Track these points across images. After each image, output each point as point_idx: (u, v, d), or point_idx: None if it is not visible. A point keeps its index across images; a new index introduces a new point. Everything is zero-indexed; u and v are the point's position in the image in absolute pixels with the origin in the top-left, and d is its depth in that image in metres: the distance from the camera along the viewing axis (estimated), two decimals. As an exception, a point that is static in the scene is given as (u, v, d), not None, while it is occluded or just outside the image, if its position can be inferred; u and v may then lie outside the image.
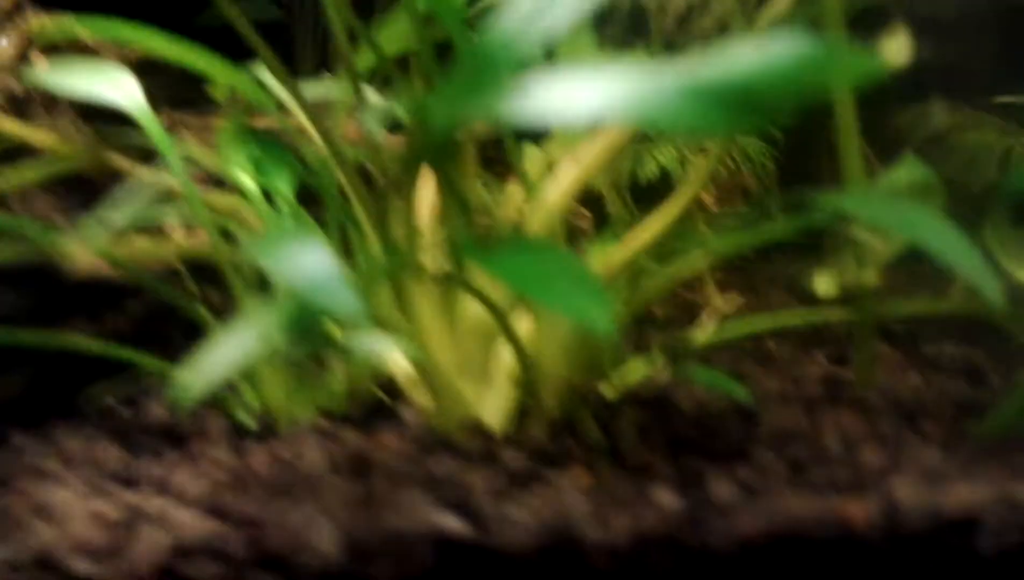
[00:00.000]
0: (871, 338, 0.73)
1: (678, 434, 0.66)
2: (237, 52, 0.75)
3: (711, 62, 0.46)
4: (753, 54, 0.45)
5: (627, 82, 0.46)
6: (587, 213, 1.29)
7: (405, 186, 0.69)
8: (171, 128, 1.29)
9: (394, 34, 0.71)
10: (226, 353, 0.51)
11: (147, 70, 0.87)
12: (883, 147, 1.18)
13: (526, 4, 0.54)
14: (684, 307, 1.20)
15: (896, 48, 0.55)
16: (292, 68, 0.76)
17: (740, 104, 0.45)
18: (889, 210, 0.55)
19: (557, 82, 0.48)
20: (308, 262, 0.50)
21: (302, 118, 0.74)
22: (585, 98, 0.47)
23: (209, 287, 0.85)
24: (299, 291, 0.49)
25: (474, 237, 0.57)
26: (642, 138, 1.18)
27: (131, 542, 0.52)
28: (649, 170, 1.11)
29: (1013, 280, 0.76)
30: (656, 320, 1.15)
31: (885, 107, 1.13)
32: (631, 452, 0.63)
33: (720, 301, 1.22)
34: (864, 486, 0.54)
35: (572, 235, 1.12)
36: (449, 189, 0.62)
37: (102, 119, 0.91)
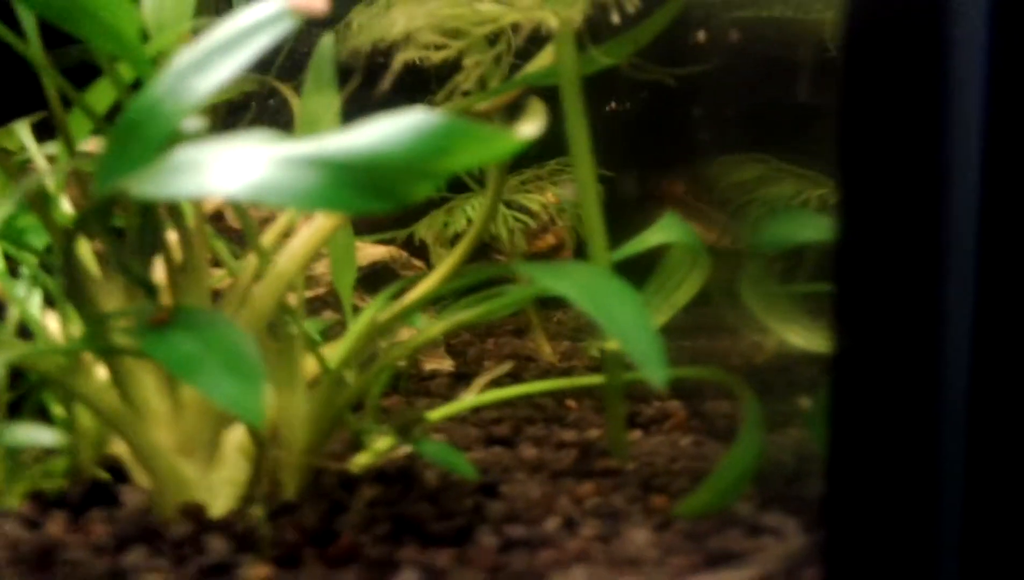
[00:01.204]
0: (619, 404, 0.71)
1: (407, 514, 0.62)
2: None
3: (343, 138, 0.44)
4: (380, 130, 0.43)
5: (262, 158, 0.44)
6: (419, 263, 1.27)
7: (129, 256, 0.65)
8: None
9: (101, 97, 0.68)
10: None
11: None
12: (699, 197, 1.17)
13: (180, 64, 0.51)
14: (515, 361, 1.18)
15: (529, 123, 0.54)
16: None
17: (362, 178, 0.43)
18: (577, 283, 0.53)
19: (201, 158, 0.46)
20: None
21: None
22: (224, 175, 0.44)
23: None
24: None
25: (153, 313, 0.54)
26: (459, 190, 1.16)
27: None
28: (460, 223, 1.09)
29: (776, 337, 0.75)
30: (472, 375, 1.13)
31: (703, 158, 1.12)
32: (347, 536, 0.59)
33: (549, 351, 1.20)
34: (550, 576, 0.52)
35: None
36: (113, 262, 0.59)
37: None
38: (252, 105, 1.32)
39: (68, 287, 0.59)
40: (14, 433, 0.51)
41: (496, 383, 0.92)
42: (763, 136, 1.03)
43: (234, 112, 1.30)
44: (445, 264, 0.82)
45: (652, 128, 1.19)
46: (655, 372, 0.47)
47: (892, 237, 0.43)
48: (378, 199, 0.43)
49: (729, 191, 1.04)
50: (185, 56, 0.51)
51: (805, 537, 0.54)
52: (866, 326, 0.43)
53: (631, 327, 0.49)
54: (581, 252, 1.12)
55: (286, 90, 1.11)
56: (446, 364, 1.18)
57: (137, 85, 0.64)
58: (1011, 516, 0.44)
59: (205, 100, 0.49)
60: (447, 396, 1.01)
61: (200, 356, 0.50)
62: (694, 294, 0.83)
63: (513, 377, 1.08)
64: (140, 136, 0.50)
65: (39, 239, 0.76)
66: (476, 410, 0.92)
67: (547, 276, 0.55)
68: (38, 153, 0.76)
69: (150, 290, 0.57)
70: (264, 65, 1.16)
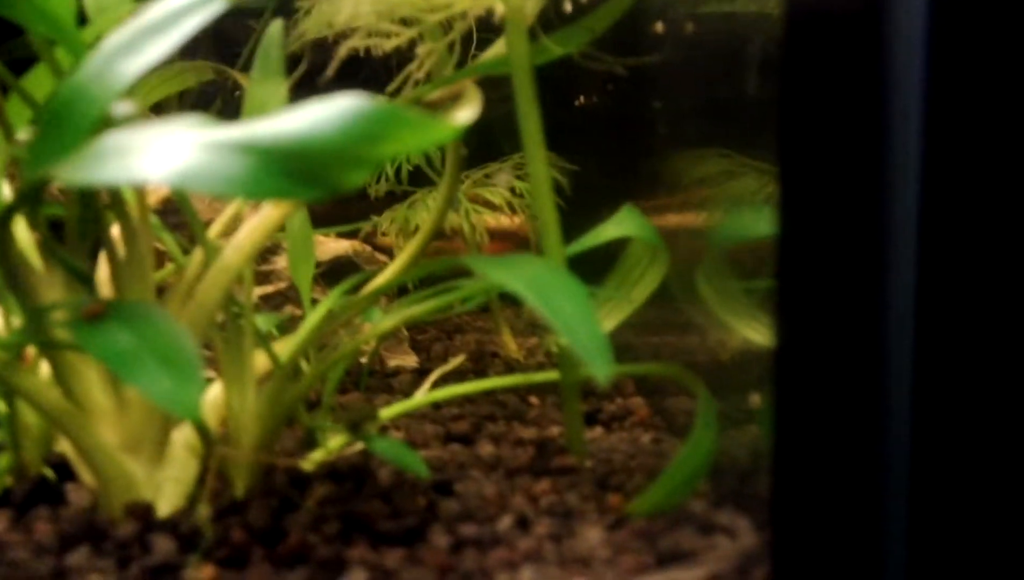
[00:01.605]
0: (576, 401, 0.70)
1: (358, 512, 0.61)
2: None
3: (271, 123, 0.43)
4: (309, 116, 0.42)
5: (189, 144, 0.43)
6: (383, 257, 1.26)
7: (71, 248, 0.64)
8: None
9: (40, 84, 0.66)
10: None
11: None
12: (656, 191, 1.17)
13: (108, 46, 0.50)
14: (481, 356, 1.17)
15: (464, 110, 0.53)
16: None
17: (290, 165, 0.41)
18: (526, 278, 0.52)
19: (129, 143, 0.45)
20: None
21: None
22: (152, 161, 0.43)
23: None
24: None
25: (90, 306, 0.52)
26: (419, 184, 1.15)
27: None
28: (421, 217, 1.08)
29: (733, 331, 0.74)
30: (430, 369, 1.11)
31: (660, 153, 1.12)
32: (295, 535, 0.58)
33: (514, 347, 1.19)
34: (499, 576, 0.51)
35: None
36: (51, 253, 0.58)
37: None
38: (218, 97, 1.30)
39: (6, 278, 0.58)
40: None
41: (460, 380, 0.91)
42: (725, 130, 1.03)
43: (200, 104, 1.28)
44: (401, 257, 0.81)
45: (616, 121, 1.18)
46: (599, 368, 0.46)
47: (833, 231, 0.42)
48: (308, 185, 0.42)
49: (692, 186, 1.03)
50: (113, 39, 0.50)
51: (756, 535, 0.53)
52: (808, 320, 0.42)
53: (576, 322, 0.48)
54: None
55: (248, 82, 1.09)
56: (410, 360, 1.17)
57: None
58: (956, 509, 0.43)
59: (133, 83, 0.48)
60: (409, 393, 0.99)
61: (136, 350, 0.48)
62: (654, 289, 0.82)
63: (477, 373, 1.07)
64: (68, 121, 0.48)
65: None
66: (438, 407, 0.91)
67: (497, 270, 0.54)
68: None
69: (87, 282, 0.55)
70: (230, 57, 1.15)
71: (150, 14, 0.53)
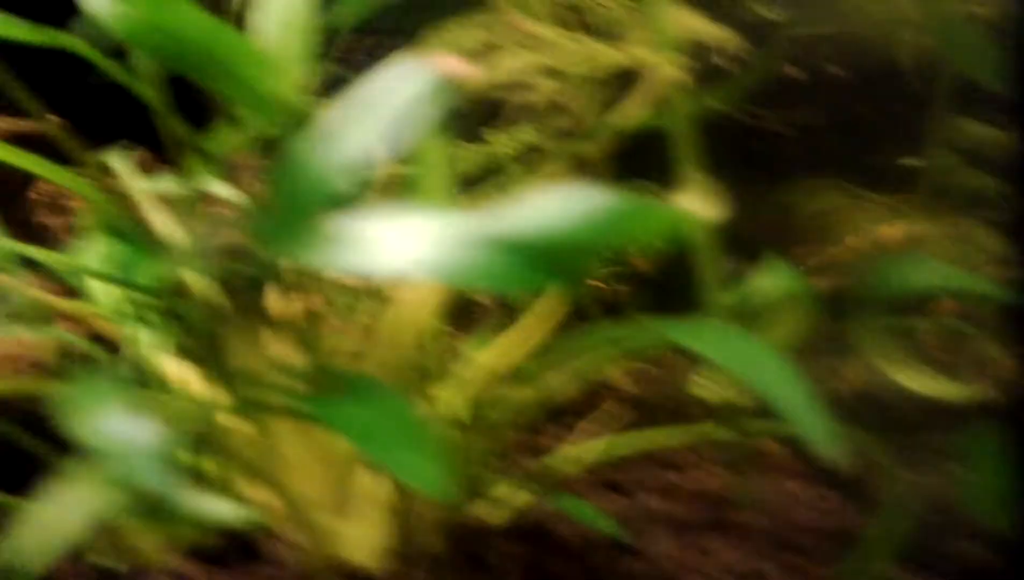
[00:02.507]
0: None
1: (559, 573, 0.63)
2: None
3: (516, 214, 0.45)
4: (556, 208, 0.44)
5: (435, 235, 0.45)
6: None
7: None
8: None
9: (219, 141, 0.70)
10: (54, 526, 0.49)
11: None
12: (772, 224, 1.17)
13: (330, 125, 0.52)
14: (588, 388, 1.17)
15: (703, 203, 0.55)
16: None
17: (545, 260, 0.44)
18: (718, 343, 0.54)
19: (366, 231, 0.47)
20: (119, 430, 0.48)
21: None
22: (393, 251, 0.46)
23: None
24: (113, 465, 0.47)
25: (317, 377, 0.55)
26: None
27: None
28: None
29: (883, 377, 0.75)
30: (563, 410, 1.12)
31: (775, 183, 1.12)
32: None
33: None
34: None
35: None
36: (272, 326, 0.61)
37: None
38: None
39: (213, 348, 0.61)
40: (199, 504, 0.52)
41: (578, 418, 0.92)
42: (840, 160, 1.03)
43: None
44: (549, 312, 0.82)
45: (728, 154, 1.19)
46: (820, 440, 0.48)
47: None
48: (555, 277, 0.44)
49: (810, 219, 1.04)
50: (334, 117, 0.53)
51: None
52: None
53: (787, 390, 0.49)
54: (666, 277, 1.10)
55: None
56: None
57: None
58: None
59: (359, 164, 0.51)
60: (541, 431, 1.00)
61: (377, 426, 0.50)
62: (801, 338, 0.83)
63: (591, 409, 1.07)
64: (298, 201, 0.51)
65: (144, 275, 0.77)
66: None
67: (683, 335, 0.55)
68: (135, 184, 0.77)
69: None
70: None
71: (367, 93, 0.55)
